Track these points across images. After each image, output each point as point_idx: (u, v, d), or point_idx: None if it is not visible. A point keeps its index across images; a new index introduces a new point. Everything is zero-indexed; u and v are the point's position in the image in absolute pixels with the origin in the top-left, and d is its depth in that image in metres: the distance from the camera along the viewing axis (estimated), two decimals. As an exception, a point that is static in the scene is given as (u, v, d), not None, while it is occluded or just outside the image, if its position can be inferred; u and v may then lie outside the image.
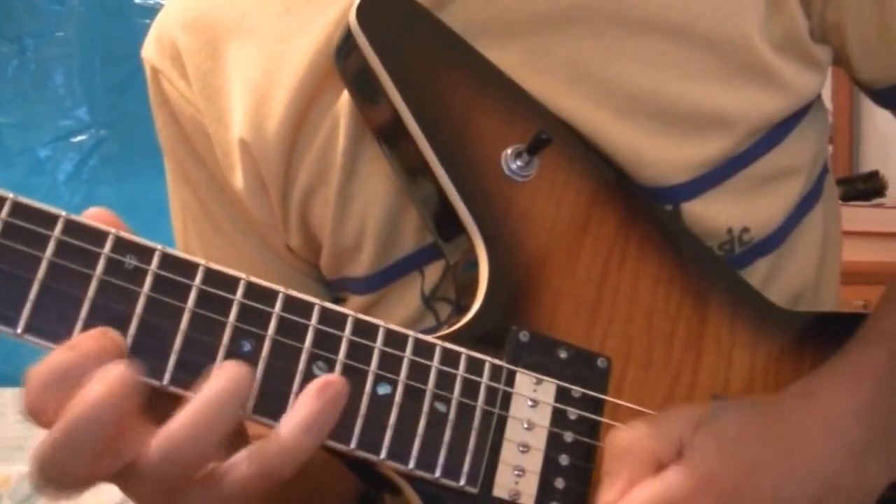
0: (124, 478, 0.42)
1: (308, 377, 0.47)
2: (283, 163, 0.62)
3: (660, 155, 0.59)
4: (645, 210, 0.59)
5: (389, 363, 0.49)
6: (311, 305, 0.48)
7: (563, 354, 0.54)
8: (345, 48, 0.58)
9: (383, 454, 0.48)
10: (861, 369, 0.56)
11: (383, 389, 0.49)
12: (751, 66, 0.59)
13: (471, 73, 0.57)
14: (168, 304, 0.45)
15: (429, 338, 0.51)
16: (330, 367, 0.47)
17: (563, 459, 0.52)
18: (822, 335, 0.62)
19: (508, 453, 0.51)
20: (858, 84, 0.66)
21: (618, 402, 0.54)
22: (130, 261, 0.45)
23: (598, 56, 0.58)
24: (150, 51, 0.68)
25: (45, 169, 2.28)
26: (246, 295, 0.46)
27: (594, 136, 0.58)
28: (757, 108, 0.60)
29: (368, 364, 0.48)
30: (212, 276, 0.46)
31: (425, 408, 0.49)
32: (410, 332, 0.50)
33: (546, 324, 0.54)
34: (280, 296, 0.47)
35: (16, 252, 0.43)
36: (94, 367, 0.41)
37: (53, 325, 0.43)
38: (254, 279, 0.47)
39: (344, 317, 0.48)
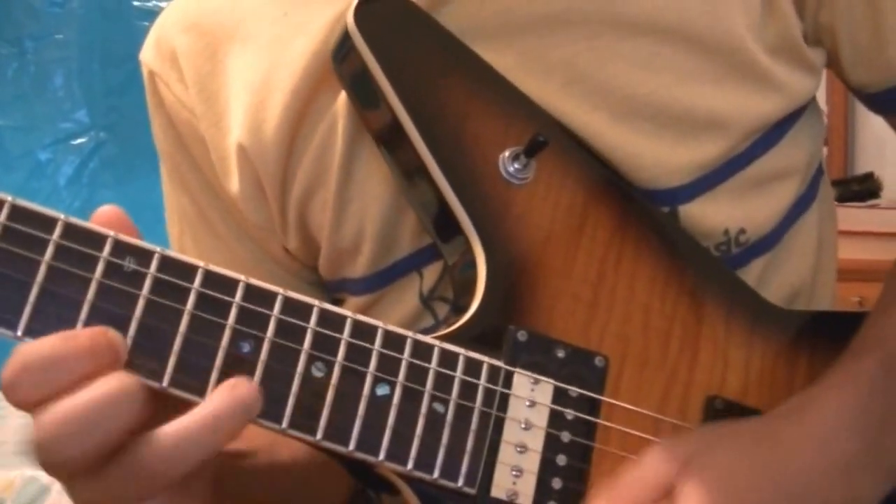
0: (92, 477, 0.42)
1: (307, 379, 0.47)
2: (280, 165, 0.62)
3: (656, 157, 0.59)
4: (641, 211, 0.59)
5: (388, 364, 0.49)
6: (309, 307, 0.48)
7: (560, 354, 0.54)
8: (342, 50, 0.58)
9: (382, 455, 0.48)
10: (855, 381, 0.55)
11: (382, 390, 0.49)
12: (745, 69, 0.59)
13: (468, 76, 0.58)
14: (167, 306, 0.45)
15: (427, 338, 0.51)
16: (329, 368, 0.48)
17: (561, 460, 0.52)
18: (817, 334, 0.62)
19: (506, 454, 0.51)
20: (850, 87, 0.66)
21: (614, 402, 0.55)
22: (129, 263, 0.45)
23: (592, 59, 0.58)
24: (148, 54, 0.68)
25: (45, 172, 2.28)
26: (245, 297, 0.47)
27: (590, 139, 0.59)
28: (751, 109, 0.60)
29: (367, 365, 0.49)
30: (211, 279, 0.46)
31: (423, 409, 0.49)
32: (409, 333, 0.50)
33: (543, 324, 0.54)
34: (279, 297, 0.47)
35: (15, 256, 0.43)
36: (78, 363, 0.41)
37: (53, 328, 0.43)
38: (253, 281, 0.47)
39: (343, 318, 0.49)
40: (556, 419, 0.53)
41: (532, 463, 0.52)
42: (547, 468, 0.52)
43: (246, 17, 0.65)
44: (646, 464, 0.51)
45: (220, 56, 0.64)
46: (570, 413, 0.53)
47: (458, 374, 0.51)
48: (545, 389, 0.53)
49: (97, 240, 0.44)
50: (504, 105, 0.57)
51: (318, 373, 0.47)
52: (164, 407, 0.44)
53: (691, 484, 0.49)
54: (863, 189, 2.29)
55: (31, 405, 0.41)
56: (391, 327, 0.50)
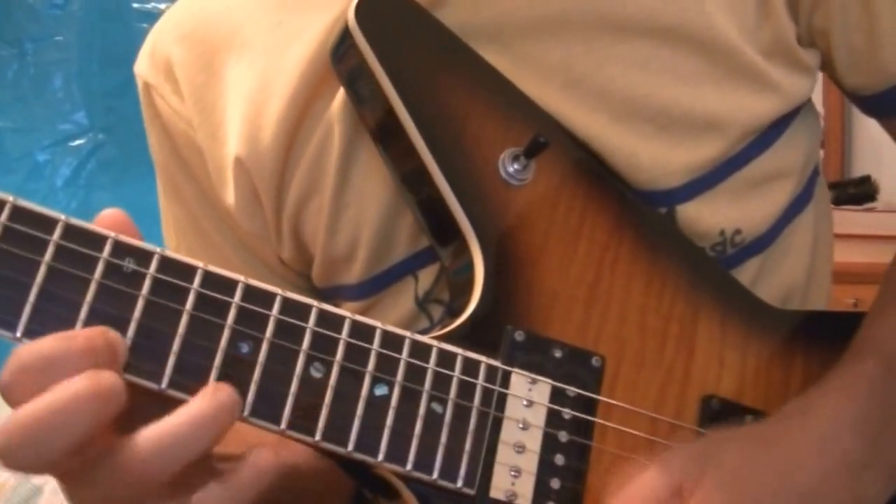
0: (77, 478, 0.42)
1: (305, 380, 0.47)
2: (277, 173, 0.62)
3: (654, 159, 0.59)
4: (638, 213, 0.59)
5: (386, 364, 0.49)
6: (308, 308, 0.48)
7: (557, 353, 0.54)
8: (341, 47, 0.58)
9: (381, 456, 0.48)
10: (855, 382, 0.56)
11: (380, 391, 0.49)
12: (741, 70, 0.60)
13: (469, 75, 0.58)
14: (167, 306, 0.45)
15: (425, 339, 0.51)
16: (327, 368, 0.48)
17: (558, 459, 0.52)
18: (812, 333, 0.62)
19: (504, 454, 0.51)
20: (844, 90, 0.66)
21: (611, 401, 0.55)
22: (129, 264, 0.45)
23: (589, 61, 0.58)
24: (142, 66, 0.68)
25: (43, 173, 2.28)
26: (244, 297, 0.46)
27: (590, 141, 0.59)
28: (748, 110, 0.60)
29: (365, 366, 0.49)
30: (210, 279, 0.46)
31: (422, 409, 0.49)
32: (407, 334, 0.50)
33: (541, 324, 0.55)
34: (278, 298, 0.47)
35: (15, 256, 0.43)
36: (77, 364, 0.41)
37: (53, 329, 0.42)
38: (252, 281, 0.47)
39: (341, 318, 0.49)
40: (553, 419, 0.53)
41: (530, 463, 0.52)
42: (545, 468, 0.52)
43: (241, 26, 0.64)
44: (655, 474, 0.52)
45: (216, 66, 0.64)
46: (567, 413, 0.53)
47: (456, 373, 0.51)
48: (542, 389, 0.53)
49: (97, 240, 0.44)
50: (504, 105, 0.58)
51: (316, 373, 0.47)
52: (150, 400, 0.44)
53: (700, 495, 0.50)
54: (859, 192, 2.29)
55: None
56: (389, 327, 0.50)
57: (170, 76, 0.66)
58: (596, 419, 0.54)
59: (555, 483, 0.52)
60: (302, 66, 0.60)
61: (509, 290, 0.55)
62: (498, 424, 0.51)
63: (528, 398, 0.52)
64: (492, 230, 0.55)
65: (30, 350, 0.41)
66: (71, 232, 0.44)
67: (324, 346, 0.48)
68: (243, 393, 0.45)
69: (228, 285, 0.46)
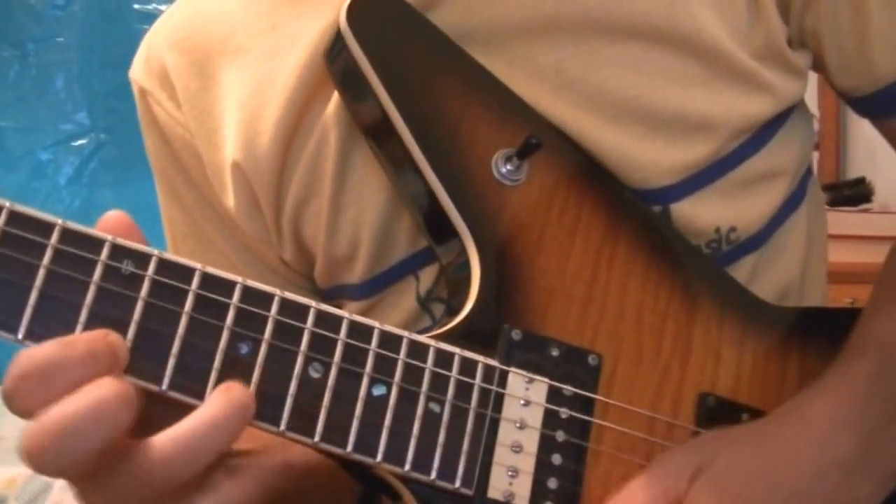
0: (94, 482, 0.42)
1: (304, 380, 0.47)
2: (275, 177, 0.62)
3: (647, 158, 0.59)
4: (633, 211, 0.59)
5: (384, 364, 0.49)
6: (306, 308, 0.48)
7: (554, 352, 0.54)
8: (334, 49, 0.58)
9: (380, 457, 0.48)
10: (850, 382, 0.56)
11: (378, 391, 0.49)
12: (732, 71, 0.60)
13: (461, 77, 0.58)
14: (166, 308, 0.45)
15: (423, 338, 0.51)
16: (326, 369, 0.48)
17: (556, 459, 0.53)
18: (808, 330, 0.62)
19: (502, 454, 0.51)
20: (836, 91, 0.66)
21: (608, 401, 0.55)
22: (127, 266, 0.45)
23: (581, 63, 0.59)
24: (138, 71, 0.68)
25: (46, 173, 2.29)
26: (242, 298, 0.47)
27: (582, 141, 0.59)
28: (739, 111, 0.60)
29: (364, 366, 0.49)
30: (208, 280, 0.46)
31: (420, 409, 0.49)
32: (405, 333, 0.50)
33: (537, 323, 0.55)
34: (276, 298, 0.47)
35: (14, 260, 0.43)
36: (76, 369, 0.41)
37: (54, 331, 0.43)
38: (250, 282, 0.47)
39: (339, 319, 0.49)
40: (550, 418, 0.53)
41: (527, 463, 0.52)
42: (542, 468, 0.52)
43: (234, 31, 0.65)
44: (648, 479, 0.52)
45: (211, 71, 0.64)
46: (564, 412, 0.53)
47: (454, 374, 0.51)
48: (539, 388, 0.53)
49: (95, 243, 0.44)
50: (497, 106, 0.58)
51: (315, 374, 0.48)
52: (163, 405, 0.44)
53: (698, 493, 0.51)
54: (854, 193, 2.30)
55: (32, 413, 0.41)
56: (387, 327, 0.50)
57: (165, 82, 0.66)
58: (593, 419, 0.54)
59: (552, 483, 0.52)
60: (297, 72, 0.61)
61: (506, 289, 0.55)
62: (495, 425, 0.51)
63: (525, 398, 0.52)
64: (487, 230, 0.55)
65: (30, 357, 0.41)
66: (68, 235, 0.44)
67: (322, 346, 0.48)
68: (243, 394, 0.45)
69: (226, 286, 0.47)
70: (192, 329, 0.45)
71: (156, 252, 0.46)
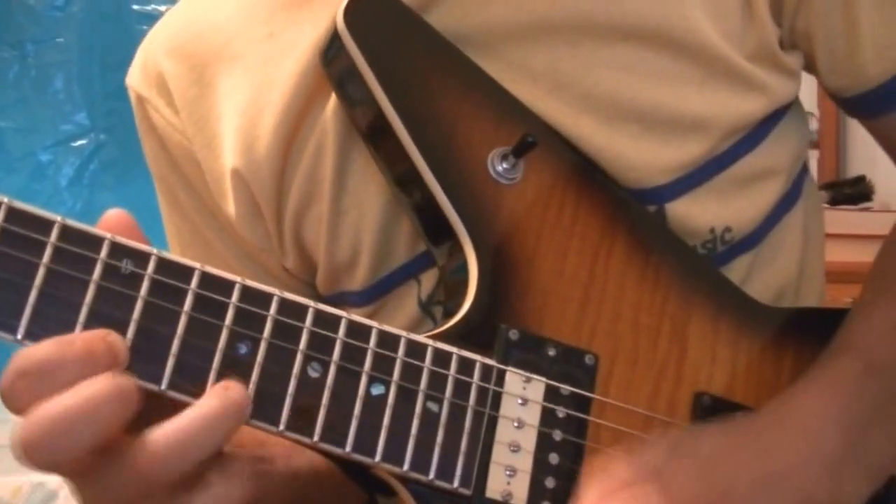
0: (90, 478, 0.43)
1: (303, 380, 0.47)
2: (274, 183, 0.62)
3: (642, 158, 0.59)
4: (629, 211, 0.59)
5: (383, 364, 0.49)
6: (305, 307, 0.48)
7: (551, 352, 0.54)
8: (331, 50, 0.58)
9: (378, 457, 0.48)
10: (837, 379, 0.56)
11: (377, 390, 0.49)
12: (725, 72, 0.60)
13: (458, 77, 0.58)
14: (165, 307, 0.45)
15: (420, 338, 0.51)
16: (324, 368, 0.48)
17: (553, 458, 0.53)
18: (803, 330, 0.62)
19: (500, 453, 0.51)
20: (827, 91, 0.67)
21: (605, 399, 0.55)
22: (127, 266, 0.45)
23: (576, 65, 0.59)
24: (134, 78, 0.68)
25: (46, 174, 2.29)
26: (241, 298, 0.47)
27: (578, 142, 0.59)
28: (732, 110, 0.61)
29: (362, 365, 0.49)
30: (207, 280, 0.46)
31: (418, 409, 0.50)
32: (403, 333, 0.50)
33: (535, 322, 0.55)
34: (275, 298, 0.47)
35: (13, 258, 0.43)
36: (74, 368, 0.41)
37: (54, 331, 0.43)
38: (249, 282, 0.47)
39: (338, 318, 0.49)
40: (547, 417, 0.53)
41: (525, 462, 0.52)
42: (540, 467, 0.52)
43: (231, 37, 0.65)
44: (636, 447, 0.52)
45: (208, 78, 0.64)
46: (561, 411, 0.53)
47: (452, 372, 0.51)
48: (537, 387, 0.53)
49: (94, 242, 0.44)
50: (493, 105, 0.58)
51: (314, 373, 0.48)
52: (160, 403, 0.44)
53: (676, 466, 0.51)
54: (854, 192, 2.30)
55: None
56: (385, 327, 0.50)
57: (163, 89, 0.66)
58: (590, 417, 0.54)
59: (550, 482, 0.52)
60: (295, 78, 0.61)
61: (503, 289, 0.55)
62: (493, 423, 0.51)
63: (523, 396, 0.53)
64: (484, 229, 0.55)
65: (28, 356, 0.41)
66: (68, 234, 0.44)
67: (321, 345, 0.48)
68: (242, 394, 0.45)
69: (226, 286, 0.47)
70: (192, 328, 0.45)
71: (155, 251, 0.46)
